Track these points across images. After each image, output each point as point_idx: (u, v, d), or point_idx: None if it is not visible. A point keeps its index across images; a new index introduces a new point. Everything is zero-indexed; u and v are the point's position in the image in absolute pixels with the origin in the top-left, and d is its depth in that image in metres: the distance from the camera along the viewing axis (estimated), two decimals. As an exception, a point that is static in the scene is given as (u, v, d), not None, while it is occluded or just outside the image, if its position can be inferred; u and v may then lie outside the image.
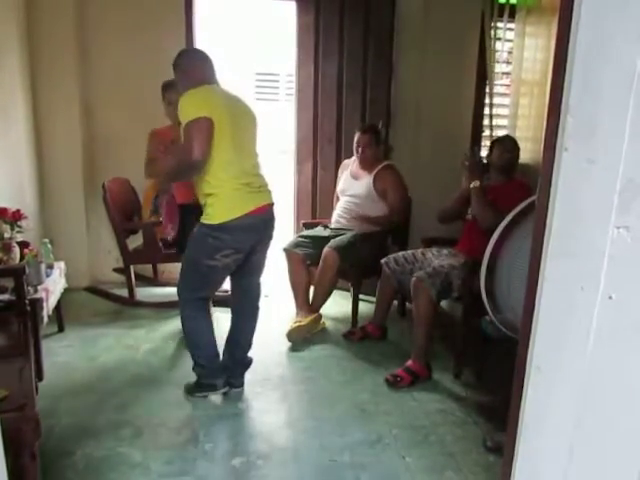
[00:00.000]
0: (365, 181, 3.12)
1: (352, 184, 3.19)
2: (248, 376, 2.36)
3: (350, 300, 3.10)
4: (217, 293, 2.55)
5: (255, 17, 5.20)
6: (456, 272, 2.42)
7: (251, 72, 5.98)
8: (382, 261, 2.78)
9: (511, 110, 3.62)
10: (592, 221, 0.92)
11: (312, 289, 3.08)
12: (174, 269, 3.04)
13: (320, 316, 3.02)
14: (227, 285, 2.51)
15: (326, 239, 3.03)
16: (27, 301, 2.08)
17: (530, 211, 1.77)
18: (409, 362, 2.44)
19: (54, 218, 3.45)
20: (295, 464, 1.83)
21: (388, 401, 2.26)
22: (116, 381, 2.36)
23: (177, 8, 3.38)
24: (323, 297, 3.04)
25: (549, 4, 3.28)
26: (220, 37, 4.75)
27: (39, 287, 2.37)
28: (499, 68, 3.64)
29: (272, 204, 2.16)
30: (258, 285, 2.30)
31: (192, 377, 2.28)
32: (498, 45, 3.60)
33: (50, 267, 2.62)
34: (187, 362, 2.54)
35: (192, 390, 2.25)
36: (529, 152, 3.25)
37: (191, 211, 2.40)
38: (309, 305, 3.02)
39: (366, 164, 3.14)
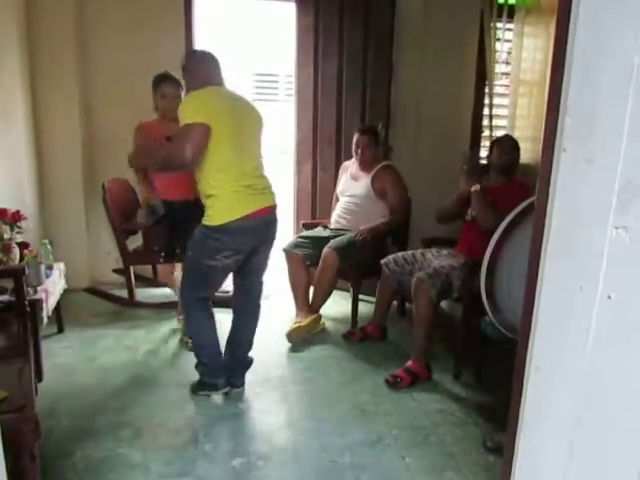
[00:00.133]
0: (364, 181, 3.12)
1: (351, 185, 3.19)
2: (248, 377, 2.36)
3: (350, 301, 3.10)
4: (217, 294, 2.55)
5: (255, 18, 5.20)
6: (456, 273, 2.42)
7: (250, 73, 5.98)
8: (382, 262, 2.79)
9: (510, 110, 3.62)
10: (591, 221, 0.92)
11: (312, 289, 3.08)
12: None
13: (320, 317, 3.02)
14: (227, 286, 2.52)
15: (326, 239, 3.03)
16: (27, 302, 2.08)
17: (530, 211, 1.77)
18: (409, 362, 2.44)
19: (54, 219, 3.45)
20: (295, 465, 1.83)
21: (388, 402, 2.26)
22: (116, 382, 2.36)
23: (176, 8, 3.39)
24: (323, 297, 3.04)
25: (548, 4, 3.28)
26: (220, 38, 4.75)
27: (39, 288, 2.37)
28: (499, 68, 3.64)
29: (274, 206, 2.16)
30: (260, 284, 2.31)
31: (192, 377, 2.28)
32: (498, 45, 3.60)
33: (50, 268, 2.62)
34: (187, 363, 2.55)
35: (195, 389, 2.26)
36: (528, 152, 3.24)
37: (188, 208, 2.42)
38: (309, 306, 3.02)
39: (365, 165, 3.14)
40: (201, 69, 2.07)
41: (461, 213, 2.71)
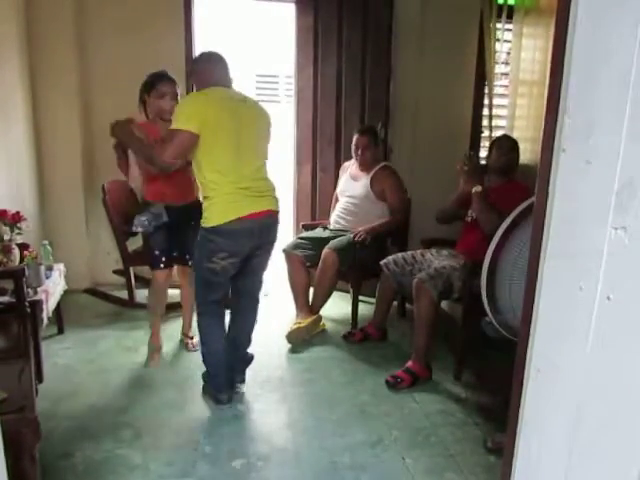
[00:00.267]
0: (363, 182, 3.13)
1: (351, 185, 3.20)
2: (248, 378, 2.36)
3: (350, 301, 3.10)
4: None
5: (254, 18, 5.20)
6: (457, 274, 2.43)
7: (252, 74, 5.98)
8: (381, 262, 2.78)
9: (509, 111, 3.62)
10: (590, 222, 0.92)
11: (312, 290, 3.08)
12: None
13: (320, 317, 3.02)
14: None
15: (325, 240, 3.03)
16: (27, 303, 2.08)
17: (529, 213, 1.77)
18: (409, 363, 2.44)
19: (54, 220, 3.46)
20: (295, 465, 1.83)
21: (388, 402, 2.26)
22: (116, 383, 2.36)
23: (176, 8, 3.38)
24: (323, 298, 3.04)
25: (547, 5, 3.29)
26: (219, 38, 4.75)
27: (39, 289, 2.37)
28: (498, 69, 3.65)
29: (274, 211, 2.14)
30: (260, 282, 2.31)
31: (192, 378, 2.28)
32: (497, 46, 3.60)
33: (50, 269, 2.62)
34: (187, 364, 2.55)
35: (203, 390, 2.28)
36: (528, 153, 3.25)
37: (186, 212, 2.41)
38: (309, 306, 3.02)
39: (365, 165, 3.14)
40: (206, 70, 2.08)
41: (461, 214, 2.71)
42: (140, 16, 3.34)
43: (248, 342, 2.32)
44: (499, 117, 3.71)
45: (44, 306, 2.33)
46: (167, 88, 2.38)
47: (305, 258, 3.06)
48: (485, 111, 3.74)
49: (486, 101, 3.70)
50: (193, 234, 2.15)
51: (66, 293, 2.83)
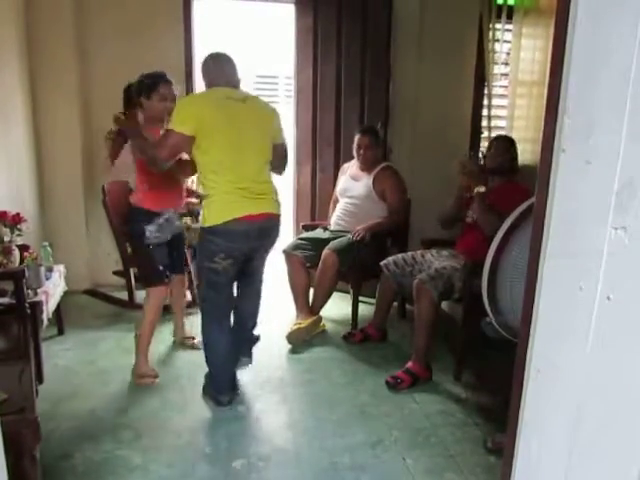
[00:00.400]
0: (365, 182, 3.13)
1: (352, 185, 3.19)
2: (248, 378, 2.36)
3: (350, 302, 3.10)
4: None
5: (253, 19, 5.20)
6: (458, 274, 2.42)
7: (251, 74, 5.98)
8: (381, 263, 2.78)
9: (509, 111, 3.62)
10: (590, 222, 0.92)
11: (312, 291, 3.08)
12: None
13: (320, 318, 3.02)
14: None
15: (325, 241, 3.04)
16: (27, 304, 2.09)
17: (529, 214, 1.77)
18: (409, 364, 2.44)
19: (54, 221, 3.46)
20: (296, 466, 1.83)
21: (388, 403, 2.26)
22: (116, 384, 2.36)
23: (175, 10, 3.39)
24: (323, 299, 3.04)
25: (546, 5, 3.29)
26: (219, 39, 4.75)
27: (39, 290, 2.37)
28: (497, 69, 3.65)
29: (274, 214, 2.13)
30: (260, 282, 2.33)
31: (192, 378, 2.28)
32: (497, 46, 3.60)
33: (50, 270, 2.62)
34: (187, 364, 2.55)
35: (203, 391, 2.28)
36: (527, 153, 3.25)
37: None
38: (309, 307, 3.02)
39: (367, 165, 3.14)
40: (210, 70, 2.09)
41: (462, 216, 2.70)
42: (140, 18, 3.35)
43: (252, 322, 2.34)
44: (498, 117, 3.72)
45: (44, 307, 2.33)
46: (167, 90, 2.34)
47: (305, 259, 3.06)
48: (484, 111, 3.74)
49: (485, 101, 3.71)
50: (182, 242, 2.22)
51: (66, 294, 2.83)
